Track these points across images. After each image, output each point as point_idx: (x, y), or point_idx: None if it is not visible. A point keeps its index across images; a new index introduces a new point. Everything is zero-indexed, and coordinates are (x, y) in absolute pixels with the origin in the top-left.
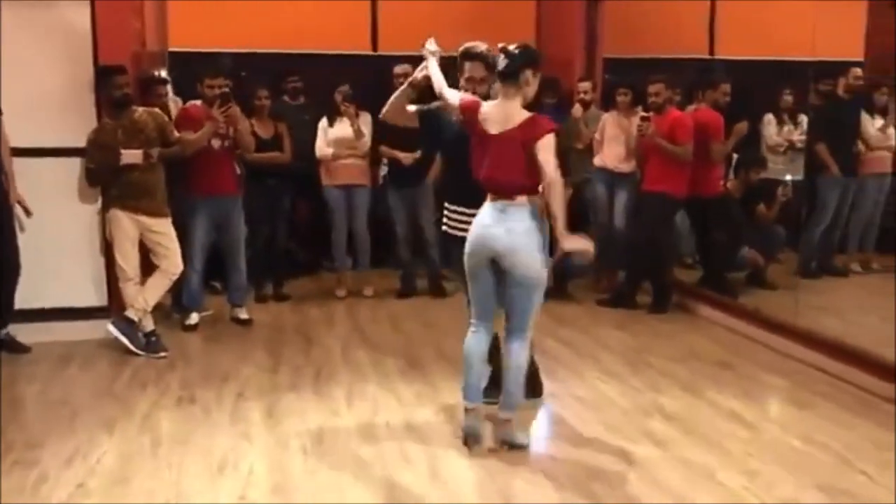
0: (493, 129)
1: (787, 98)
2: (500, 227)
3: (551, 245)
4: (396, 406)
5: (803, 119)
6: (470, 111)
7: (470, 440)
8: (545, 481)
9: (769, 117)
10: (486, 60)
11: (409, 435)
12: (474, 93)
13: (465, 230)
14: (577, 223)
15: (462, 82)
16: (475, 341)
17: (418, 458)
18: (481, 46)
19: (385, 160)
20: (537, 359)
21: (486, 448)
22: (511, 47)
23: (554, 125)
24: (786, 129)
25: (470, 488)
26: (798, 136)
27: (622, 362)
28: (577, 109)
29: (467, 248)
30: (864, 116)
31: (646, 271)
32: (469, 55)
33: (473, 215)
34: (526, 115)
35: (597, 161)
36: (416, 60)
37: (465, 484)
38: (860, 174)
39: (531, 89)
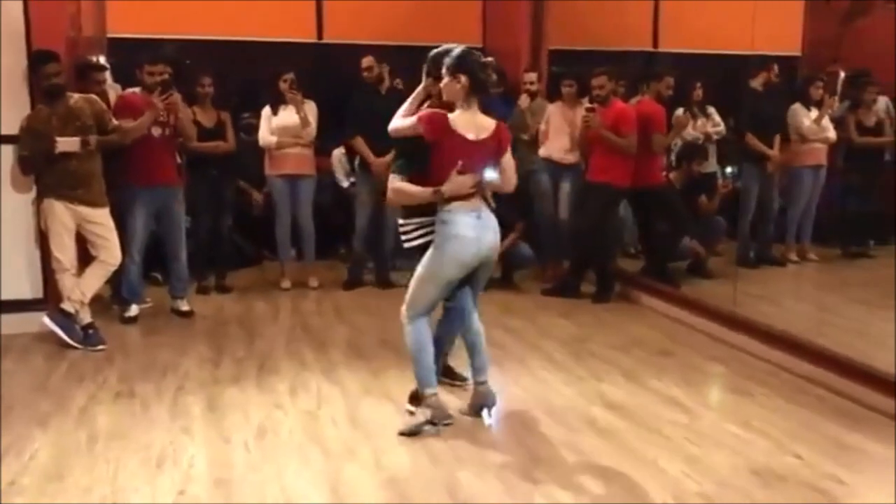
0: None
1: (699, 92)
2: None
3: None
4: (340, 397)
5: (713, 111)
6: None
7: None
8: (489, 471)
9: (683, 112)
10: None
11: (354, 426)
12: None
13: None
14: (521, 213)
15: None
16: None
17: (362, 450)
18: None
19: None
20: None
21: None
22: None
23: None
24: (699, 122)
25: (414, 479)
26: (712, 129)
27: (566, 351)
28: (523, 100)
29: None
30: (801, 109)
31: (589, 261)
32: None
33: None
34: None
35: (542, 152)
36: (363, 49)
37: (409, 474)
38: (796, 166)
39: (446, 92)
